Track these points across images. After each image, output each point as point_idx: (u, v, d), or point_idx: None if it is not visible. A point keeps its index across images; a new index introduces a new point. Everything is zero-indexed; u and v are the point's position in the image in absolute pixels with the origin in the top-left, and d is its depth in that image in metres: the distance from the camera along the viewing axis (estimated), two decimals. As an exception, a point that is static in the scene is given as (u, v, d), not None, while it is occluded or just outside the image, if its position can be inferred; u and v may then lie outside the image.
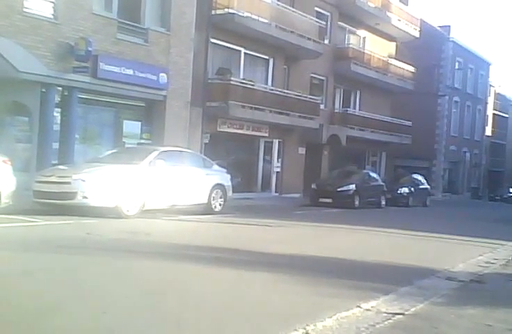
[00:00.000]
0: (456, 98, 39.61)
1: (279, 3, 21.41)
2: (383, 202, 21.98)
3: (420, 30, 32.02)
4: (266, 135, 22.02)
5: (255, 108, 19.98)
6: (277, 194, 22.86)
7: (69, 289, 4.93)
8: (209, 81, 18.77)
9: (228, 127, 20.01)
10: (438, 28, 38.64)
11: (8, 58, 12.75)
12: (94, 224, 9.95)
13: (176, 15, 17.21)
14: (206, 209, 13.60)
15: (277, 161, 23.20)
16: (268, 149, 22.83)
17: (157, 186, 12.14)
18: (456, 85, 39.46)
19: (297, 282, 5.69)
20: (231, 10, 18.63)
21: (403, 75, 30.92)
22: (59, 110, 14.56)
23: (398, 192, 23.77)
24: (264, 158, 22.75)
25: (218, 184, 14.03)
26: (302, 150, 24.42)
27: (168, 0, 17.09)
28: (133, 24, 16.11)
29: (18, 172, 10.37)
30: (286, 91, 22.02)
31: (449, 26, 39.35)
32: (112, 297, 4.67)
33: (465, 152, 41.54)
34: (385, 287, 5.55)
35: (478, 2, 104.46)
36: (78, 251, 6.81)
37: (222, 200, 14.15)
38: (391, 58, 30.62)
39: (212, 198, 13.79)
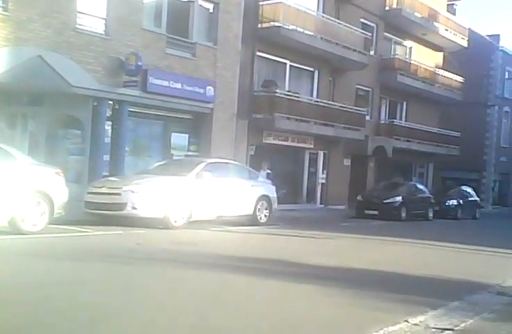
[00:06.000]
0: (506, 108, 38.63)
1: (324, 15, 21.49)
2: (431, 215, 21.60)
3: (468, 40, 31.47)
4: (311, 146, 22.03)
5: (300, 120, 20.05)
6: (322, 206, 22.78)
7: (120, 299, 5.05)
8: (255, 93, 18.99)
9: (273, 139, 20.13)
10: (487, 38, 37.88)
11: (61, 73, 13.25)
12: (143, 234, 10.19)
13: (223, 29, 17.51)
14: (252, 220, 13.70)
15: (322, 173, 23.13)
16: (313, 161, 22.81)
17: (204, 197, 12.31)
18: (506, 95, 38.53)
19: (343, 295, 5.69)
20: (277, 23, 18.82)
21: (451, 85, 30.44)
22: (110, 123, 14.98)
23: (447, 204, 23.29)
24: (308, 170, 22.74)
25: (263, 196, 14.12)
26: (347, 162, 24.29)
27: (215, 14, 17.44)
28: (181, 38, 16.48)
29: (70, 183, 10.67)
30: (331, 102, 22.02)
31: (498, 35, 38.52)
32: (161, 307, 4.78)
33: (516, 163, 40.38)
34: (433, 301, 5.48)
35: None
36: (129, 261, 6.98)
37: (267, 211, 14.23)
38: (438, 68, 30.20)
39: (257, 210, 13.88)
